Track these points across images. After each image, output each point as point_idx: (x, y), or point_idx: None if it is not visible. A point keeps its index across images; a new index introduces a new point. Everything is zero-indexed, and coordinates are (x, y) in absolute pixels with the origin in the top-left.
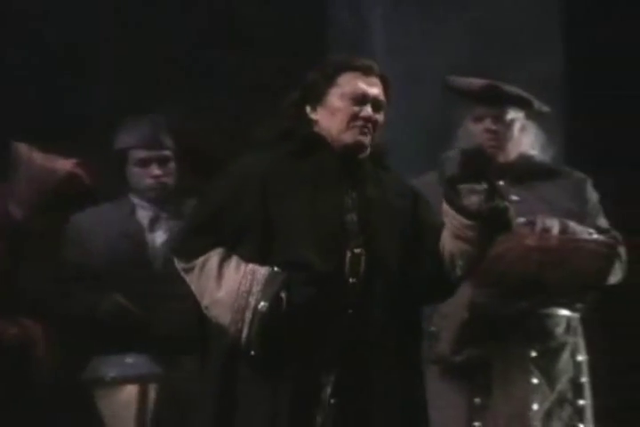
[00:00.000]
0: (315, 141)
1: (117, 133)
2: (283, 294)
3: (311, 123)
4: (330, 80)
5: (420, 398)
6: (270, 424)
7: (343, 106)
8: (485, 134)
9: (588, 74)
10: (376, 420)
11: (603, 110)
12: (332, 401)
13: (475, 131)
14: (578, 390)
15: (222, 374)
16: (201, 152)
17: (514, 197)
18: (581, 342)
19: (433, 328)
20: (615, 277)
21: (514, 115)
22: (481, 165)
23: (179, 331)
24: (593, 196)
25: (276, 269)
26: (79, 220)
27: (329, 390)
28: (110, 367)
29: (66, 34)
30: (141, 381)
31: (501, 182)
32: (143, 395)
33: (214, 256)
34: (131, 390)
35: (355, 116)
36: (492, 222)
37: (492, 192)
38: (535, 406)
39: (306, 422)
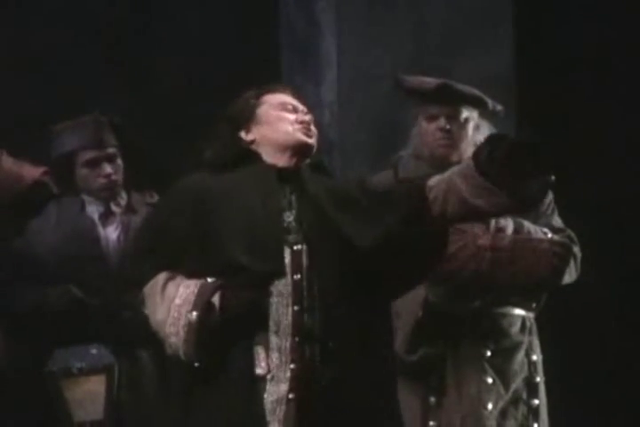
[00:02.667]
0: (248, 157)
1: (57, 136)
2: (215, 301)
3: (245, 143)
4: (254, 102)
5: (388, 391)
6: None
7: (279, 114)
8: (439, 133)
9: (537, 71)
10: (337, 415)
11: (551, 108)
12: (290, 396)
13: (428, 130)
14: (532, 389)
15: (184, 392)
16: (140, 148)
17: None
18: (536, 342)
19: None
20: (570, 276)
21: (468, 114)
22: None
23: (133, 325)
24: (547, 195)
25: (209, 279)
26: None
27: (285, 386)
28: (76, 358)
29: None
30: (108, 371)
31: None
32: (110, 385)
33: (159, 280)
34: (97, 381)
35: (293, 121)
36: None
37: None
38: (490, 406)
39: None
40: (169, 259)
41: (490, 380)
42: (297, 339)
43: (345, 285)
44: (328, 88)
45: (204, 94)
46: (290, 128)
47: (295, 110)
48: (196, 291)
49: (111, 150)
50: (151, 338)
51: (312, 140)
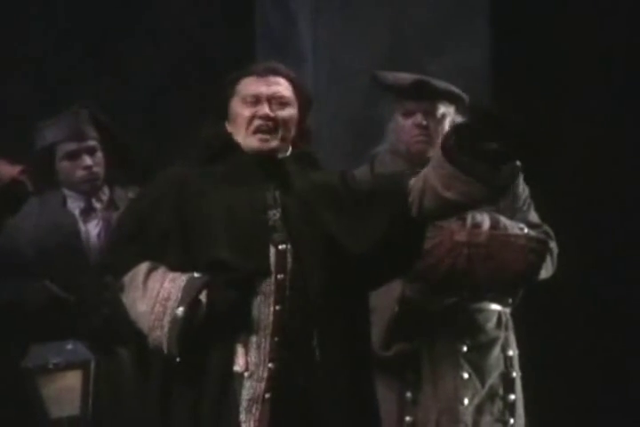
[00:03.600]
0: (228, 146)
1: (39, 131)
2: (202, 298)
3: (228, 134)
4: (230, 91)
5: (368, 394)
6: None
7: (241, 111)
8: (416, 129)
9: (515, 65)
10: (316, 415)
11: (528, 103)
12: (266, 396)
13: (405, 126)
14: (509, 384)
15: (162, 388)
16: (123, 142)
17: None
18: (512, 337)
19: None
20: (547, 272)
21: (444, 110)
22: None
23: (111, 322)
24: (524, 191)
25: (195, 274)
26: None
27: (262, 385)
28: (52, 354)
29: None
30: (84, 366)
31: None
32: (86, 380)
33: (141, 270)
34: (73, 376)
35: (252, 118)
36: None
37: (503, 157)
38: (466, 401)
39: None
40: (151, 249)
41: (466, 375)
42: (276, 339)
43: (329, 285)
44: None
45: (181, 91)
46: (244, 130)
47: (258, 101)
48: (182, 286)
49: (91, 143)
50: (130, 334)
51: (268, 137)
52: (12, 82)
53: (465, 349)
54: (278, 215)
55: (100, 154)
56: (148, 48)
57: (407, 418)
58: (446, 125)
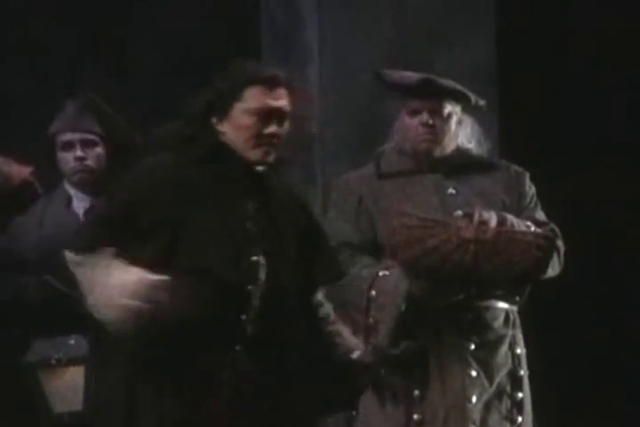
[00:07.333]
0: (221, 151)
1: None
2: (165, 297)
3: (218, 133)
4: (236, 94)
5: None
6: None
7: (248, 123)
8: (422, 128)
9: (520, 63)
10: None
11: (534, 101)
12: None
13: (411, 124)
14: (516, 382)
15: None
16: (124, 132)
17: (450, 190)
18: (520, 335)
19: (370, 320)
20: (553, 269)
21: (451, 108)
22: None
23: None
24: (530, 189)
25: (166, 276)
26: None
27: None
28: (54, 349)
29: None
30: (86, 361)
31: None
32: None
33: (107, 255)
34: (76, 371)
35: (259, 134)
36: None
37: None
38: (474, 399)
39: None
40: (125, 236)
41: (474, 373)
42: (237, 347)
43: (297, 297)
44: (309, 80)
45: (185, 86)
46: (250, 144)
47: (269, 117)
48: (146, 281)
49: (89, 136)
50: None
51: (270, 156)
52: (9, 70)
53: (473, 346)
54: (255, 228)
55: (99, 149)
56: (148, 38)
57: (415, 416)
58: (452, 124)
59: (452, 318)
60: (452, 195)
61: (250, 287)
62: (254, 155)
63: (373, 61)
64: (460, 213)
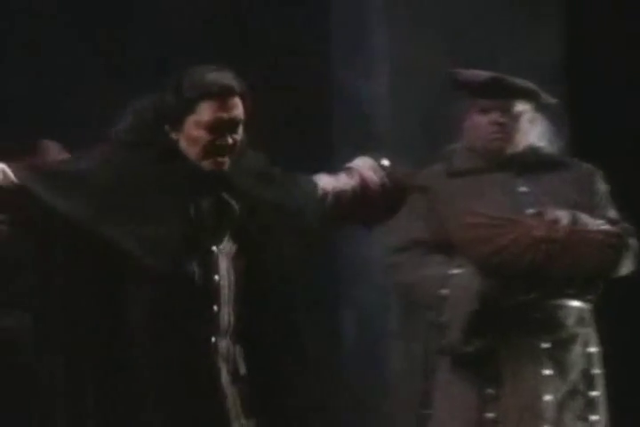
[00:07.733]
0: (173, 155)
1: None
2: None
3: (171, 139)
4: (188, 107)
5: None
6: None
7: (199, 136)
8: (491, 127)
9: (589, 61)
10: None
11: (606, 100)
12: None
13: (481, 123)
14: (590, 381)
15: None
16: None
17: (521, 189)
18: (593, 334)
19: (443, 318)
20: (626, 268)
21: (522, 107)
22: None
23: None
24: (602, 187)
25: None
26: None
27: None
28: None
29: None
30: None
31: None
32: None
33: None
34: None
35: (211, 145)
36: None
37: None
38: (547, 398)
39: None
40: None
41: (547, 371)
42: (213, 339)
43: (287, 282)
44: (379, 81)
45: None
46: (202, 155)
47: (221, 129)
48: None
49: None
50: None
51: (223, 164)
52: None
53: (545, 345)
54: (211, 222)
55: None
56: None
57: (489, 415)
58: (523, 122)
59: (524, 317)
60: (522, 193)
61: (216, 277)
62: (207, 165)
63: (443, 60)
64: (530, 211)
